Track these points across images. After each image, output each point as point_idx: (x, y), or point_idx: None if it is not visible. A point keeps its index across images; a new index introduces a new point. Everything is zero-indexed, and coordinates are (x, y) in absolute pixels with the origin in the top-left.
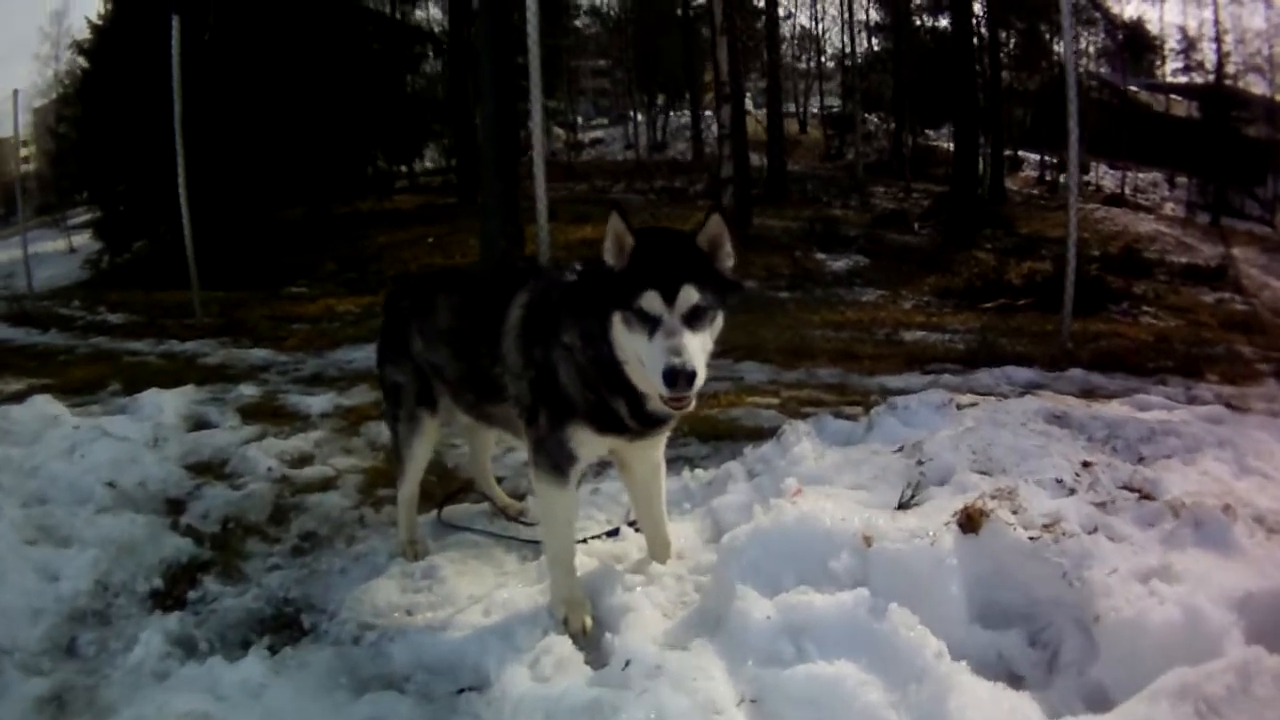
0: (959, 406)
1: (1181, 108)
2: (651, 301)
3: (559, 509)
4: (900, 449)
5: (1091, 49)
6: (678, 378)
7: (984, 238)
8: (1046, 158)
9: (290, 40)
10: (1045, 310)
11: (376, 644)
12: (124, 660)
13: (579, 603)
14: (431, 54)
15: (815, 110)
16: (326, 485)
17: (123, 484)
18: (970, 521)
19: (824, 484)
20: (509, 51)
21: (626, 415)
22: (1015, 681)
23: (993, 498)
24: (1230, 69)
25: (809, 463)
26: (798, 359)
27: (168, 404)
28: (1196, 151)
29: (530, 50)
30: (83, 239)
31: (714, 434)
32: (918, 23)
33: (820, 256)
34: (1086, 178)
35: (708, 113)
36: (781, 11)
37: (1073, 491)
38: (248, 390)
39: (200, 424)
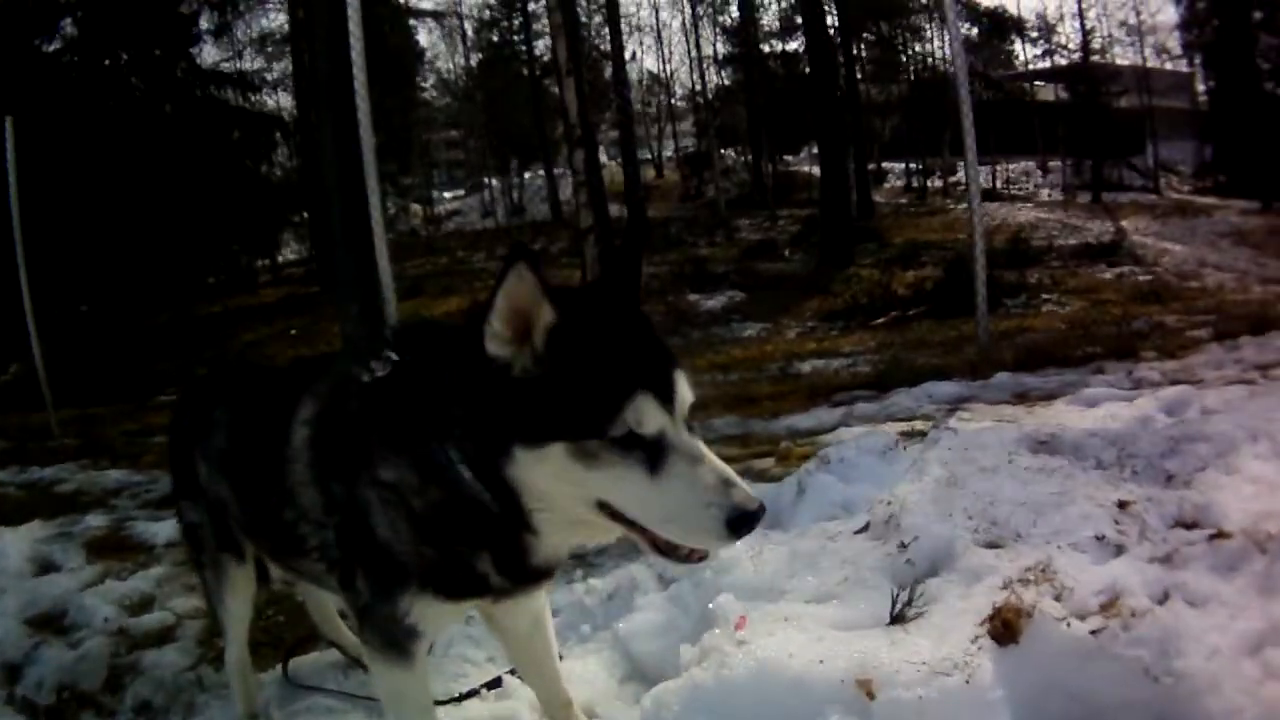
0: (906, 448)
1: (1048, 92)
2: (649, 413)
3: (407, 694)
4: (866, 527)
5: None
6: (750, 519)
7: (860, 254)
8: (911, 166)
9: (136, 138)
10: (940, 317)
11: None
12: None
13: None
14: (282, 140)
15: (670, 153)
16: (165, 637)
17: None
18: (1007, 629)
19: (773, 598)
20: (350, 132)
21: (493, 572)
22: None
23: (1024, 582)
24: (1096, 43)
25: (745, 566)
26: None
27: (11, 546)
28: (1068, 132)
29: (362, 134)
30: None
31: None
32: (767, 49)
33: (693, 297)
34: (955, 177)
35: (561, 170)
36: (627, 54)
37: (1121, 549)
38: (96, 521)
39: (45, 566)
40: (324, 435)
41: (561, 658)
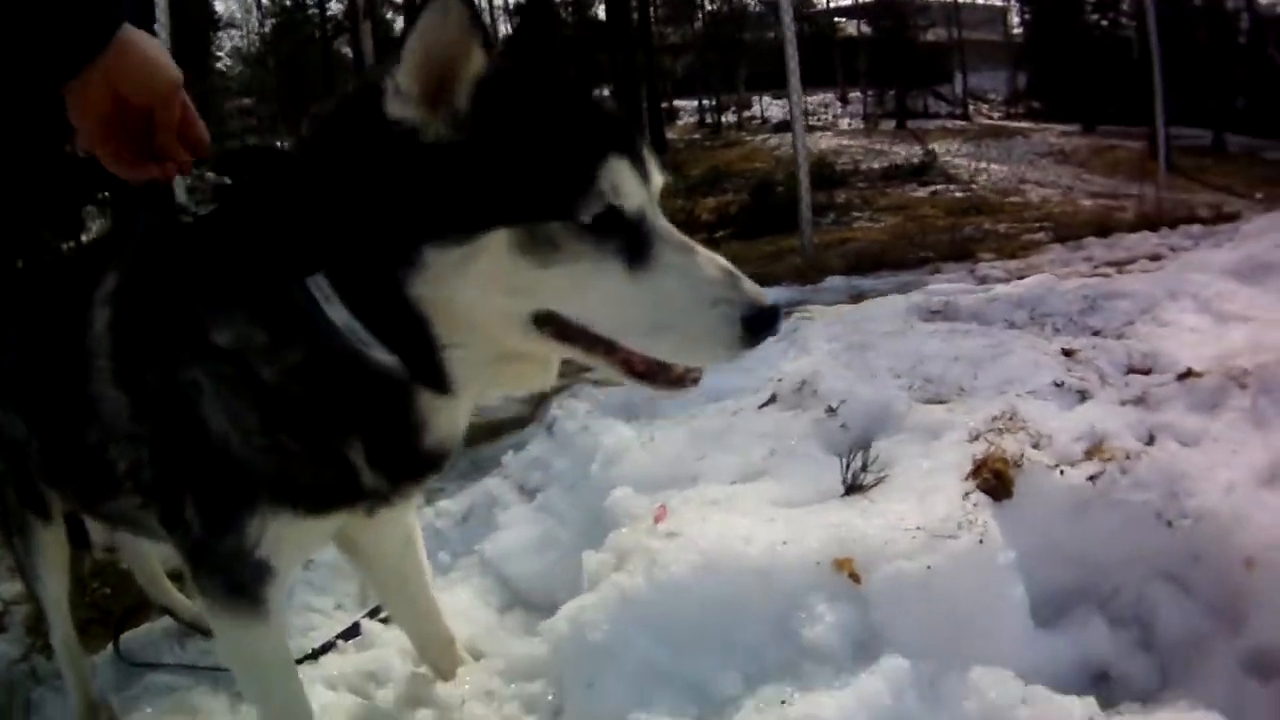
0: (778, 339)
1: (851, 27)
2: (628, 183)
3: (261, 655)
4: (773, 399)
5: None
6: (770, 319)
7: None
8: (705, 102)
9: None
10: (748, 238)
11: None
12: None
13: None
14: None
15: None
16: None
17: None
18: (1001, 482)
19: (686, 484)
20: None
21: (366, 468)
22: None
23: (997, 433)
24: None
25: (634, 456)
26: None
27: None
28: (871, 65)
29: None
30: None
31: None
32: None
33: None
34: (750, 112)
35: None
36: None
37: (1085, 394)
38: None
39: None
40: (129, 310)
41: None
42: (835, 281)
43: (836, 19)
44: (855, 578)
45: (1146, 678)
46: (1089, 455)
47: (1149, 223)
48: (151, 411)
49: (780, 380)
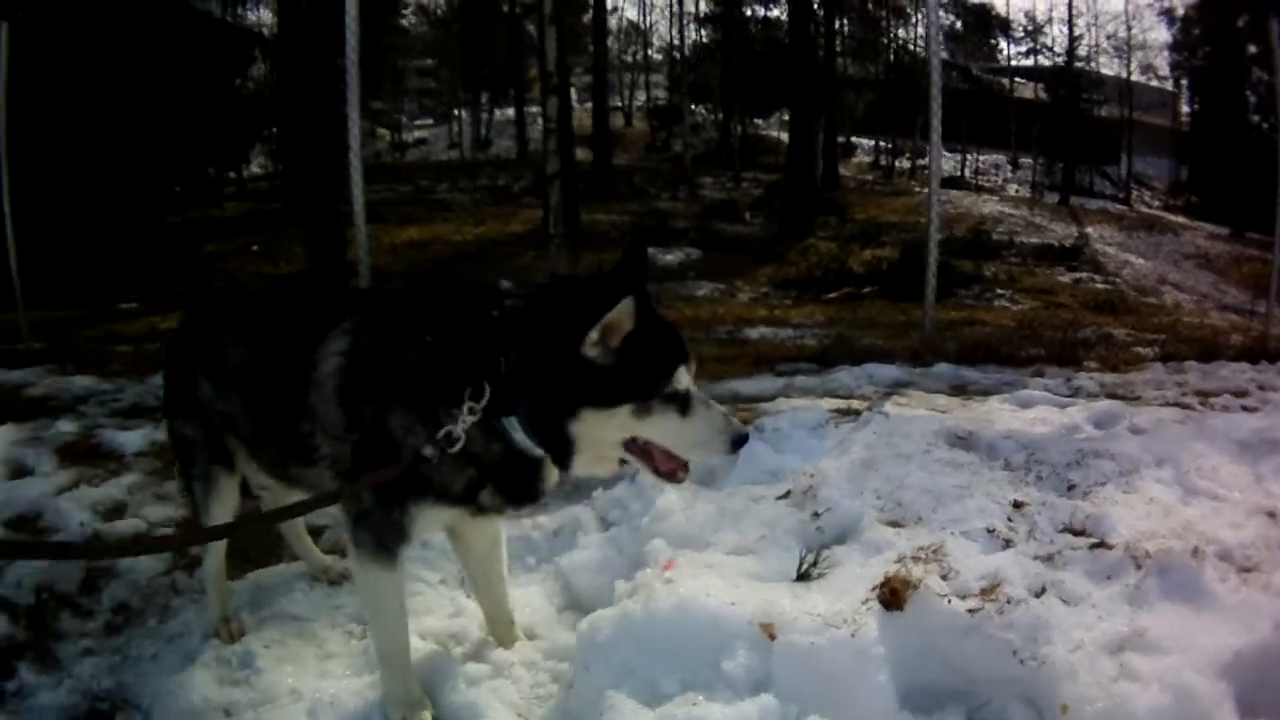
0: (837, 425)
1: (1027, 90)
2: (684, 378)
3: (388, 598)
4: (788, 494)
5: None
6: (744, 439)
7: (820, 226)
8: (881, 143)
9: (114, 44)
10: (892, 298)
11: None
12: None
13: (417, 703)
14: (260, 56)
15: (640, 103)
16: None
17: None
18: (894, 597)
19: (699, 547)
20: (330, 53)
21: (490, 493)
22: None
23: (916, 559)
24: (1082, 51)
25: (677, 517)
26: None
27: None
28: (1043, 132)
29: (348, 55)
30: None
31: None
32: (748, 13)
33: (651, 251)
34: (923, 161)
35: (532, 109)
36: (608, 4)
37: (1009, 543)
38: (66, 427)
39: (19, 470)
40: (361, 370)
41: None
42: (943, 369)
43: (1017, 79)
44: (772, 637)
45: None
46: (982, 593)
47: (1251, 353)
48: (360, 428)
49: (806, 476)
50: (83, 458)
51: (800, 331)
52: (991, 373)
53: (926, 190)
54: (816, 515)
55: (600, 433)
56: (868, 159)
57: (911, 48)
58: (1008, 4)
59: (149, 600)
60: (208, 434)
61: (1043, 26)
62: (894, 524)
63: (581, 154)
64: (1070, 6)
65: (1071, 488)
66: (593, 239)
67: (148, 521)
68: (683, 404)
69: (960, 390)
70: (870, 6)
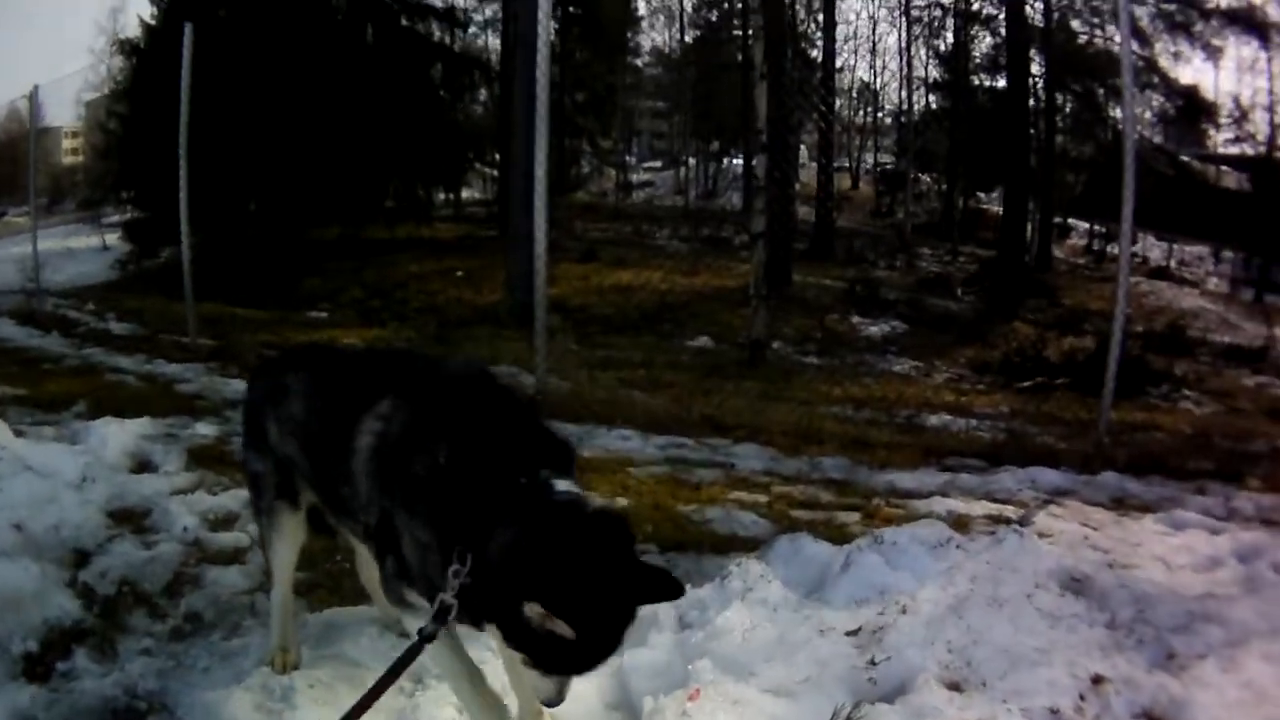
0: (959, 546)
1: (1231, 179)
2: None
3: (436, 654)
4: (858, 630)
5: (1148, 115)
6: (551, 706)
7: (1027, 308)
8: (1096, 227)
9: (335, 58)
10: (1082, 391)
11: None
12: None
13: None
14: (482, 83)
15: (868, 166)
16: (234, 558)
17: (32, 528)
18: None
19: (742, 676)
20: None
21: None
22: None
23: None
24: None
25: (734, 637)
26: (804, 444)
27: (113, 438)
28: (1244, 225)
29: (538, 95)
30: (115, 238)
31: (678, 541)
32: (976, 82)
33: (856, 320)
34: (1133, 249)
35: (756, 161)
36: (840, 63)
37: None
38: (205, 429)
39: (142, 464)
40: (390, 451)
41: None
42: (1108, 478)
43: (1222, 167)
44: None
45: None
46: None
47: None
48: (380, 511)
49: (889, 610)
50: (212, 462)
51: (979, 423)
52: (1155, 485)
53: (1135, 279)
54: (873, 664)
55: (495, 637)
56: (1082, 242)
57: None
58: (1216, 88)
59: (222, 615)
60: (276, 470)
61: (1248, 113)
62: (953, 686)
63: (805, 211)
64: (1271, 93)
65: (1171, 657)
66: (798, 303)
67: (250, 538)
68: (548, 671)
69: (1119, 504)
70: (1090, 84)
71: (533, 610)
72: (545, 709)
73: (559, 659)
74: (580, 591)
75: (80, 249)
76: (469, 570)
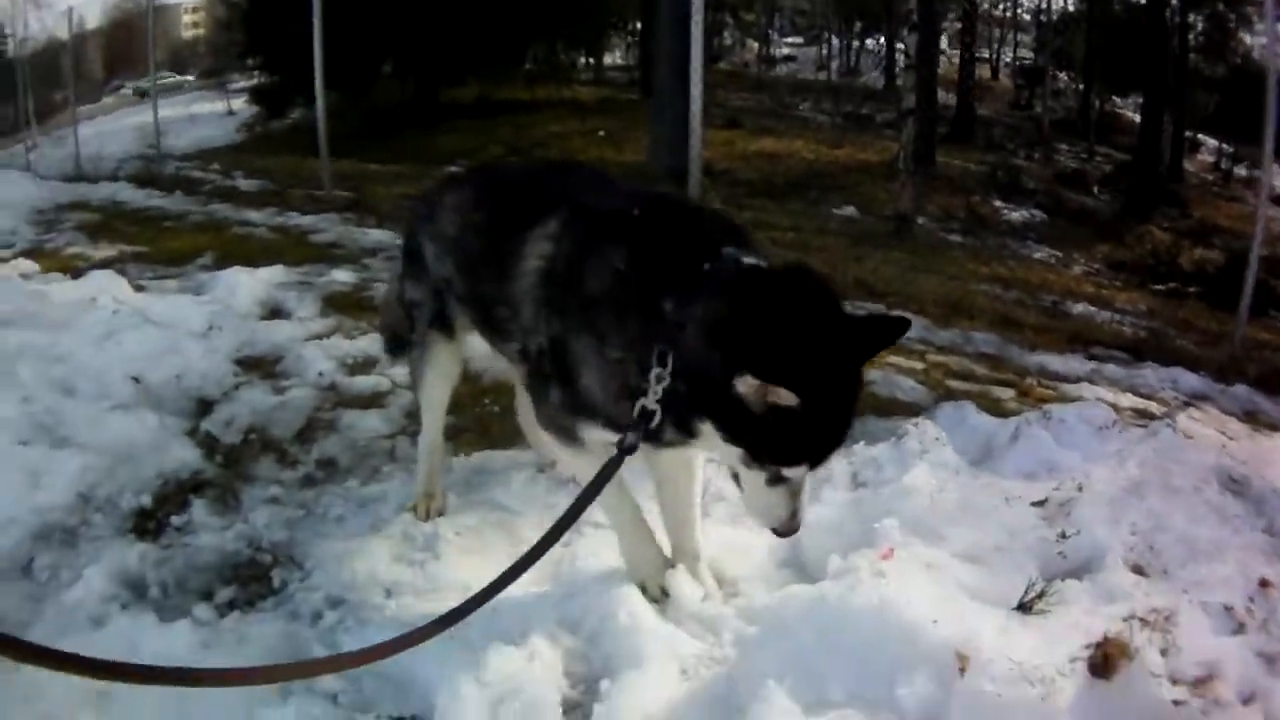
0: (1124, 430)
1: None
2: (796, 476)
3: (590, 469)
4: (1044, 502)
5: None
6: (783, 535)
7: (1159, 214)
8: (1224, 145)
9: None
10: (1213, 304)
11: (333, 630)
12: (67, 595)
13: (655, 566)
14: None
15: (1007, 60)
16: (372, 402)
17: (151, 379)
18: (1106, 663)
19: (930, 539)
20: None
21: (673, 430)
22: None
23: (1144, 623)
24: None
25: (920, 498)
26: (955, 315)
27: (242, 286)
28: None
29: None
30: (241, 103)
31: None
32: None
33: (998, 204)
34: (1259, 171)
35: (900, 44)
36: None
37: (1241, 627)
38: (341, 276)
39: (275, 311)
40: (560, 275)
41: (708, 515)
42: (1240, 390)
43: None
44: (962, 670)
45: None
46: (1195, 683)
47: None
48: (545, 335)
49: (1070, 485)
50: (351, 308)
51: (1120, 317)
52: None
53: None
54: (1064, 537)
55: (710, 440)
56: (1210, 159)
57: (1254, 55)
58: None
59: (360, 460)
60: (433, 298)
61: None
62: (1138, 569)
63: (944, 95)
64: None
65: None
66: (943, 183)
67: (393, 382)
68: (774, 479)
69: (1251, 417)
70: (1221, 6)
71: (746, 385)
72: (701, 555)
73: (787, 443)
74: (794, 350)
75: (203, 114)
76: (670, 370)
